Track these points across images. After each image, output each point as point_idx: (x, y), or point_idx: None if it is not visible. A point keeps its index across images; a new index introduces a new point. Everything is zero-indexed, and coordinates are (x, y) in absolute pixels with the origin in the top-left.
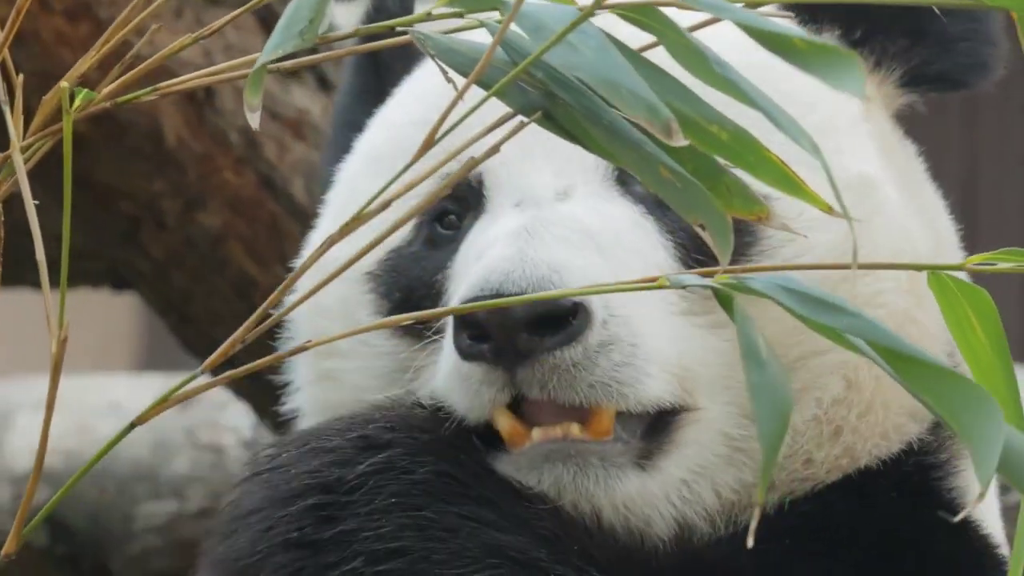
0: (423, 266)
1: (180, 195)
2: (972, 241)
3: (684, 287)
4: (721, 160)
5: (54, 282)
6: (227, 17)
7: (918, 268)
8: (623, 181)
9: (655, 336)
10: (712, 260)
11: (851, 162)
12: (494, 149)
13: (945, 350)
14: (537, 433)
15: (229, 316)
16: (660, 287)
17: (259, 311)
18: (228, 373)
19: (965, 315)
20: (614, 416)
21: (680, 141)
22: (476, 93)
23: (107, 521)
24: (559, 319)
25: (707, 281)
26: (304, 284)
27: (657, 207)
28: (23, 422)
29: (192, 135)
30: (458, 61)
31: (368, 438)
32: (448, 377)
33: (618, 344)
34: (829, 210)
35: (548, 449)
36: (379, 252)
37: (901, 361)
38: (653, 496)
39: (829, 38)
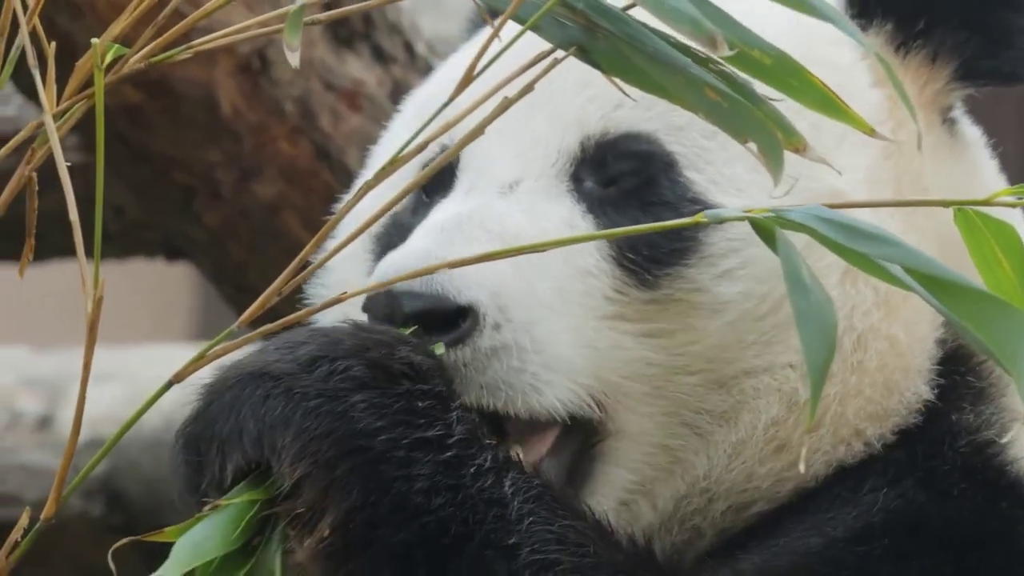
0: (402, 234)
1: (235, 165)
2: None
3: (722, 220)
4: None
5: (108, 251)
6: None
7: (944, 204)
8: (577, 177)
9: (564, 344)
10: (646, 259)
11: (825, 174)
12: (518, 96)
13: (922, 367)
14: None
15: None
16: (697, 222)
17: (296, 261)
18: (263, 328)
19: (991, 250)
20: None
21: (725, 51)
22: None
23: (163, 490)
24: (449, 320)
25: (747, 214)
26: (342, 234)
27: (598, 205)
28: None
29: (247, 105)
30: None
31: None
32: None
33: (513, 349)
34: (872, 132)
35: None
36: (387, 216)
37: (941, 287)
38: None
39: (877, 33)
